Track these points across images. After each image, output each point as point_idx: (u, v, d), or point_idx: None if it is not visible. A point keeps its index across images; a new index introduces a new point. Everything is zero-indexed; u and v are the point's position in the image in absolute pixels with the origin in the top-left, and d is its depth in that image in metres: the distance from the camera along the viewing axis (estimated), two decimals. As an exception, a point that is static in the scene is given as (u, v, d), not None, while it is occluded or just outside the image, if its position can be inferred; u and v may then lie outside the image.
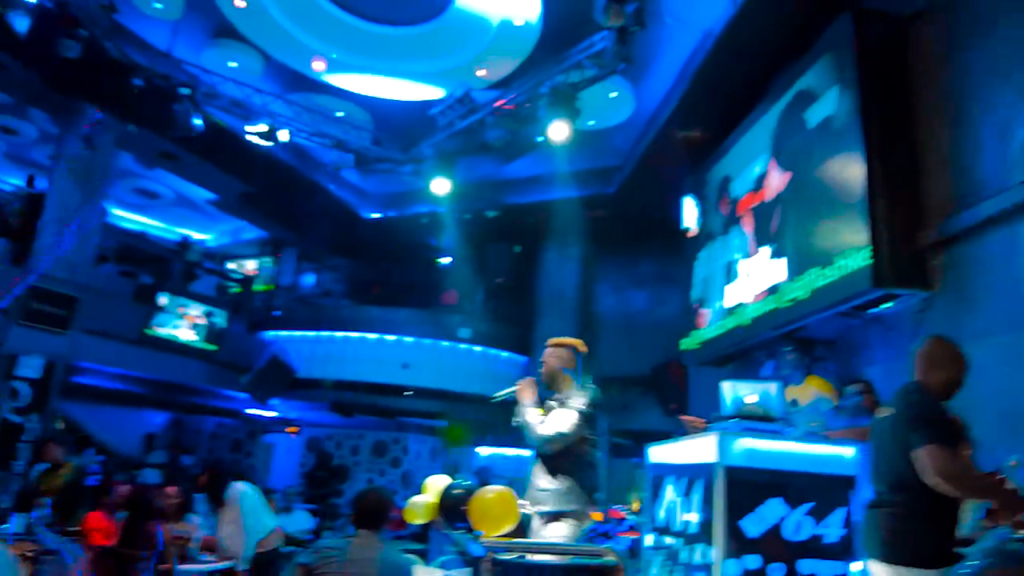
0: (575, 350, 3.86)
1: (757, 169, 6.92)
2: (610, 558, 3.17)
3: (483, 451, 14.73)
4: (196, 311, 11.06)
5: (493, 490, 3.14)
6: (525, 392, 3.71)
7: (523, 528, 3.62)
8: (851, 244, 5.15)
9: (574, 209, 11.68)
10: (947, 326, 4.86)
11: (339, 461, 13.95)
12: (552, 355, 3.84)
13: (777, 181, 6.49)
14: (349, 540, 3.46)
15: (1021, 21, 4.39)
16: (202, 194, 13.30)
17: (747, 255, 7.06)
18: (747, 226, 7.12)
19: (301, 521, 9.22)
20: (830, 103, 5.65)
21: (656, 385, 12.03)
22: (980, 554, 1.52)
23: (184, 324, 11.00)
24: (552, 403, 3.73)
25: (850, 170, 5.24)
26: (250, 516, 5.10)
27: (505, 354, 13.15)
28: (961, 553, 2.75)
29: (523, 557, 3.11)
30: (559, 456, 3.54)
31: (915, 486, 2.86)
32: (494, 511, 3.08)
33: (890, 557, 2.84)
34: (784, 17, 6.38)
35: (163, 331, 10.63)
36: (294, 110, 9.50)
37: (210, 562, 6.03)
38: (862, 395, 4.78)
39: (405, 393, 12.23)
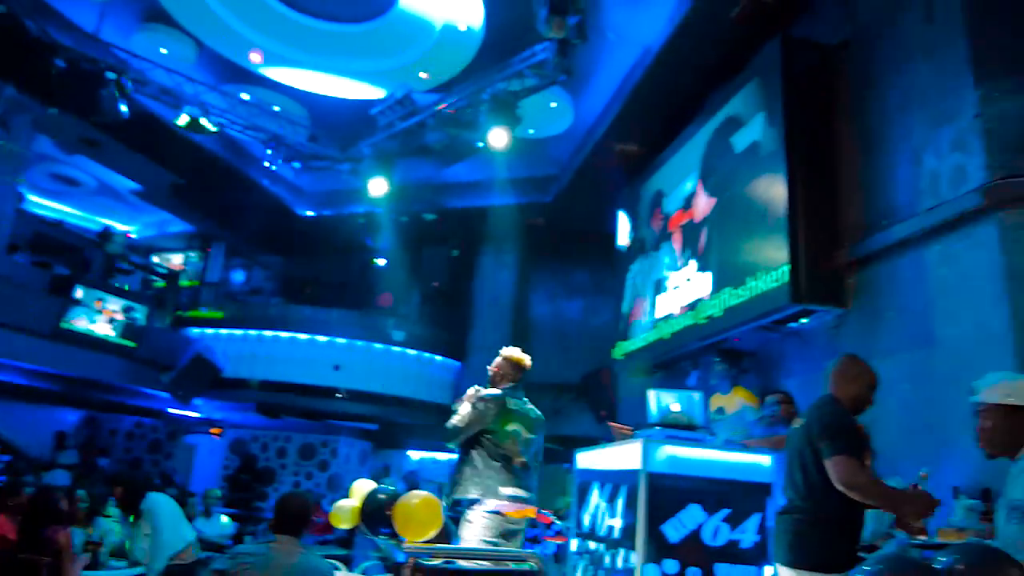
0: (517, 363, 4.32)
1: (688, 187, 7.14)
2: (532, 563, 3.21)
3: (414, 455, 14.62)
4: (115, 305, 10.57)
5: (418, 495, 3.13)
6: (470, 398, 4.06)
7: (448, 534, 3.64)
8: (771, 262, 5.37)
9: (511, 216, 11.77)
10: (858, 342, 5.12)
11: (264, 464, 13.58)
12: (495, 364, 4.33)
13: (704, 203, 6.72)
14: (268, 545, 3.38)
15: (933, 58, 4.68)
16: (126, 184, 12.76)
17: (675, 269, 7.26)
18: (676, 242, 7.33)
19: (221, 526, 8.92)
20: (756, 127, 5.88)
21: (587, 392, 12.20)
22: (876, 560, 1.60)
23: (101, 319, 10.50)
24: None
25: (773, 192, 5.47)
26: (166, 530, 4.98)
27: (439, 358, 13.09)
28: (863, 558, 2.91)
29: (450, 563, 3.12)
30: (460, 448, 3.95)
31: (823, 494, 3.01)
32: (418, 516, 3.07)
33: (795, 561, 2.97)
34: (718, 39, 6.62)
35: (79, 325, 10.11)
36: (228, 102, 9.24)
37: (120, 568, 5.79)
38: (779, 405, 4.98)
39: (336, 395, 12.02)
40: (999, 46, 4.30)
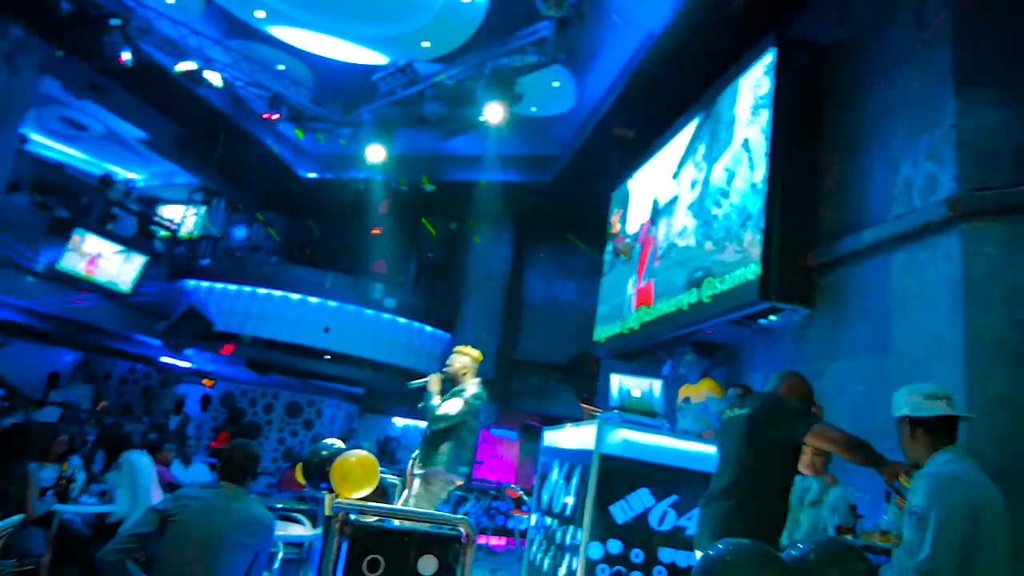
0: (478, 361, 4.90)
1: (674, 177, 7.14)
2: (460, 528, 3.30)
3: (399, 422, 14.82)
4: (111, 251, 10.70)
5: (355, 454, 3.22)
6: (433, 383, 4.72)
7: (385, 493, 3.78)
8: (745, 258, 5.40)
9: (511, 193, 11.79)
10: (821, 343, 5.17)
11: (251, 418, 13.80)
12: (457, 361, 4.84)
13: (687, 194, 6.73)
14: (212, 490, 3.48)
15: (919, 66, 4.65)
16: (134, 132, 12.83)
17: (654, 258, 7.30)
18: (658, 231, 7.36)
19: (199, 473, 9.11)
20: (742, 128, 5.87)
21: (574, 374, 12.32)
22: (735, 549, 1.67)
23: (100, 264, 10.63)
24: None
25: (753, 189, 5.48)
26: (142, 490, 5.28)
27: (429, 329, 13.20)
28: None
29: (383, 521, 3.22)
30: (441, 432, 4.53)
31: (754, 483, 3.09)
32: (354, 474, 3.17)
33: None
34: (719, 29, 6.57)
35: (74, 267, 10.26)
36: (232, 57, 9.25)
37: (91, 504, 5.97)
38: (739, 398, 5.05)
39: (324, 357, 12.17)
40: (983, 57, 4.27)
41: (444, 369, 4.86)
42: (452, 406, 4.57)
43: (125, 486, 5.37)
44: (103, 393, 14.37)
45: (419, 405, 4.82)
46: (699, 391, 5.87)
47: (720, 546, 1.62)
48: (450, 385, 4.80)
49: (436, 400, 4.65)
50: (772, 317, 5.47)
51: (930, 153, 4.39)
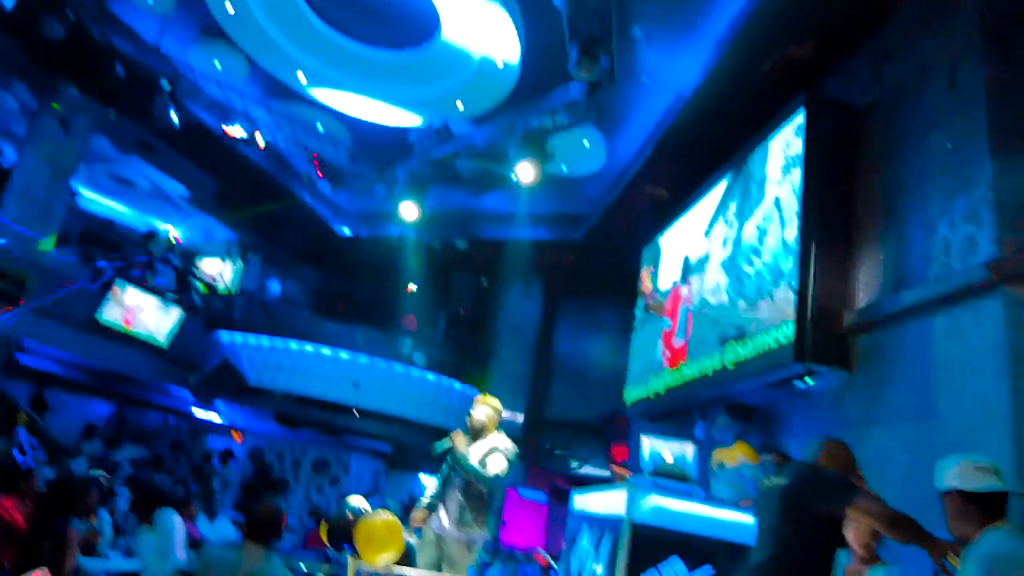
0: (498, 412, 4.79)
1: (705, 237, 7.12)
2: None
3: (425, 480, 14.61)
4: (151, 304, 10.94)
5: (380, 517, 3.16)
6: (460, 441, 4.53)
7: (409, 555, 3.68)
8: (778, 319, 5.29)
9: (542, 250, 11.85)
10: (861, 408, 4.99)
11: (279, 474, 13.74)
12: (482, 412, 4.71)
13: (719, 253, 6.68)
14: (235, 550, 3.45)
15: (953, 126, 4.61)
16: (177, 189, 13.29)
17: (685, 319, 7.22)
18: (688, 290, 7.29)
19: (223, 530, 9.04)
20: (773, 187, 5.86)
21: (604, 433, 12.08)
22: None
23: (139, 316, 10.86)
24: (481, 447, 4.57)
25: (786, 249, 5.42)
26: (174, 549, 5.22)
27: (458, 385, 13.13)
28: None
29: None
30: (483, 493, 4.44)
31: (796, 558, 2.95)
32: (378, 537, 3.10)
33: None
34: (749, 91, 6.63)
35: (112, 319, 10.49)
36: (274, 117, 9.60)
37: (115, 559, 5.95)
38: (776, 465, 4.89)
39: (353, 413, 12.14)
40: (1018, 117, 4.22)
41: (468, 421, 4.68)
42: (497, 464, 4.40)
43: (155, 544, 5.35)
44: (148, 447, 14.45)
45: (449, 464, 4.58)
46: (734, 455, 5.70)
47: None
48: (472, 439, 4.63)
49: (471, 459, 4.42)
50: (809, 380, 5.31)
51: (967, 215, 4.31)
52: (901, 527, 2.70)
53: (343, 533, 3.22)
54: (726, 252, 6.53)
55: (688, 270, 7.42)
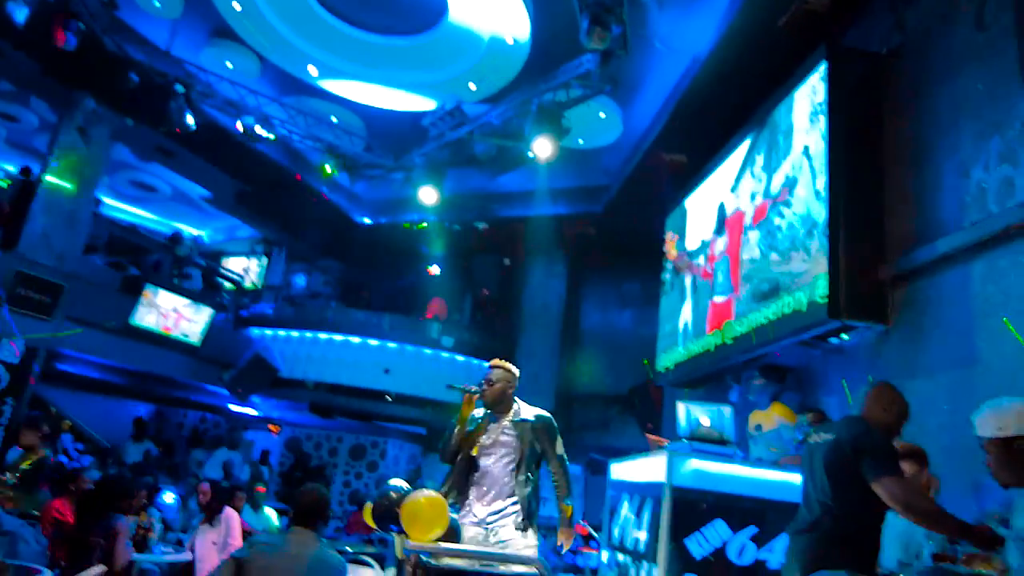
0: (515, 375, 4.15)
1: (730, 198, 7.01)
2: (534, 569, 3.22)
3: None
4: (181, 305, 11.11)
5: (424, 495, 3.19)
6: (464, 408, 4.00)
7: (455, 533, 3.68)
8: (811, 275, 5.22)
9: (562, 225, 11.80)
10: (900, 360, 4.93)
11: (317, 462, 13.97)
12: (501, 378, 4.06)
13: (747, 214, 6.59)
14: (284, 536, 3.51)
15: (983, 66, 4.49)
16: (198, 191, 13.43)
17: (716, 282, 7.14)
18: (717, 253, 7.21)
19: (268, 520, 9.22)
20: (801, 136, 5.74)
21: (635, 404, 12.08)
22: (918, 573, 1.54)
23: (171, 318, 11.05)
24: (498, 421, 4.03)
25: (815, 204, 5.33)
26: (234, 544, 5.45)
27: (487, 365, 13.17)
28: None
29: (455, 563, 3.18)
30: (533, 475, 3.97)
31: (845, 512, 2.93)
32: (424, 515, 3.13)
33: None
34: (767, 47, 6.48)
35: (147, 323, 10.67)
36: (288, 112, 9.63)
37: (168, 553, 6.13)
38: (812, 424, 4.85)
39: (386, 398, 12.28)
40: (1051, 52, 4.09)
41: (485, 387, 4.03)
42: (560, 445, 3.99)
43: (220, 545, 5.58)
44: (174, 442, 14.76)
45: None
46: (770, 417, 5.66)
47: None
48: (487, 407, 4.05)
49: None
50: (844, 336, 5.26)
51: (1003, 155, 4.20)
52: (918, 515, 2.71)
53: (388, 513, 3.24)
54: (754, 211, 6.43)
55: (723, 220, 7.29)
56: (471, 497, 3.92)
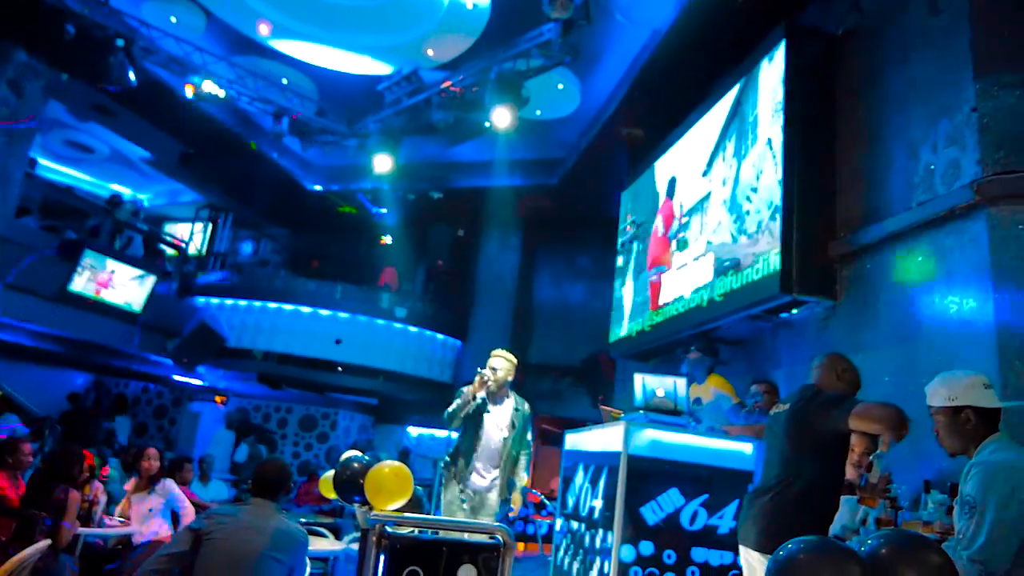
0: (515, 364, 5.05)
1: (686, 173, 7.09)
2: (498, 536, 3.26)
3: (413, 431, 14.76)
4: (122, 271, 10.69)
5: (388, 465, 3.17)
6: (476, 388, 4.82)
7: (419, 503, 3.72)
8: (763, 251, 5.34)
9: (518, 197, 11.76)
10: (846, 335, 5.11)
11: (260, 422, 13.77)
12: (504, 367, 4.94)
13: (701, 188, 6.67)
14: (244, 507, 3.45)
15: (935, 50, 4.61)
16: (138, 152, 12.87)
17: (671, 245, 7.24)
18: (670, 228, 7.29)
19: (218, 491, 9.08)
20: (757, 114, 5.83)
21: (587, 376, 12.26)
22: (806, 543, 1.59)
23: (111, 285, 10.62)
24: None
25: (769, 181, 5.44)
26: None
27: (441, 336, 13.16)
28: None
29: (418, 532, 3.18)
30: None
31: (801, 477, 3.03)
32: (388, 485, 3.11)
33: (766, 546, 2.97)
34: (726, 23, 6.54)
35: (83, 290, 10.24)
36: (236, 72, 9.26)
37: (112, 527, 5.96)
38: (763, 395, 5.00)
39: (337, 369, 12.15)
40: (1001, 39, 4.22)
41: (489, 377, 4.84)
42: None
43: (157, 513, 5.44)
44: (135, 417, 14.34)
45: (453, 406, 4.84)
46: (707, 390, 5.79)
47: (791, 545, 1.56)
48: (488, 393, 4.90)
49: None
50: (794, 311, 5.41)
51: (951, 138, 4.35)
52: (901, 422, 2.76)
53: (352, 484, 3.22)
54: (727, 191, 6.51)
55: (673, 187, 7.36)
56: (476, 466, 4.83)
